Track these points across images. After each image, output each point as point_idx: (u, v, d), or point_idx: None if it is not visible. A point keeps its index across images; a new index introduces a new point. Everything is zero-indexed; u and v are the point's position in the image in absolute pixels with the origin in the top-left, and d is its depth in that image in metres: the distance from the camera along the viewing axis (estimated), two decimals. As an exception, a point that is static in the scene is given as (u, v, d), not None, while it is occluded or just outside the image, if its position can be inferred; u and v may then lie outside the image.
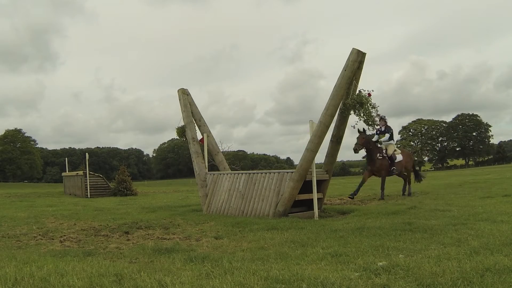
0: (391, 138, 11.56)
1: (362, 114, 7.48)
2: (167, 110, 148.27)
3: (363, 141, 10.82)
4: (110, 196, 17.95)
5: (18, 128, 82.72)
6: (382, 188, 11.39)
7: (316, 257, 4.15)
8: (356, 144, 10.77)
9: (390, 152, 11.44)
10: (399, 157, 11.61)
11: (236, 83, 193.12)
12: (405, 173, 12.26)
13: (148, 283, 3.16)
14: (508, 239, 4.48)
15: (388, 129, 11.48)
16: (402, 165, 11.95)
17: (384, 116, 11.36)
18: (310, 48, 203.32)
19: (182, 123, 10.06)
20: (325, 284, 3.05)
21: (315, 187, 7.77)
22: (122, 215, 8.99)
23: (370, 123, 7.64)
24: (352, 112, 7.63)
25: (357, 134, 10.81)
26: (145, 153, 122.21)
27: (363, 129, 10.36)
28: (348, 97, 7.52)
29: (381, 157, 11.17)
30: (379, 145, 11.44)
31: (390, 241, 4.77)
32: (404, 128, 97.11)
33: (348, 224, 6.38)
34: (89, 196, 17.54)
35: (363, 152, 11.39)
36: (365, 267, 3.53)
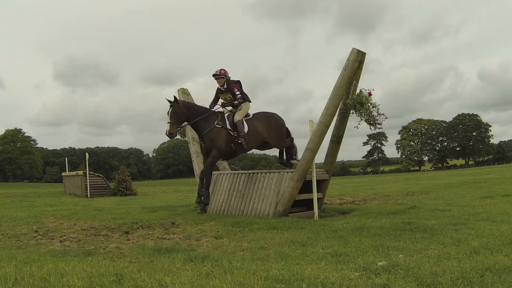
0: (244, 99, 8.09)
1: (363, 114, 7.45)
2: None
3: (179, 115, 7.41)
4: (110, 196, 17.93)
5: (18, 128, 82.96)
6: (206, 187, 7.76)
7: (316, 257, 4.16)
8: (168, 124, 7.32)
9: (237, 117, 7.90)
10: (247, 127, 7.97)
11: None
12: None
13: (148, 283, 3.16)
14: (508, 239, 4.48)
15: (230, 88, 7.97)
16: (261, 138, 8.10)
17: (228, 77, 8.05)
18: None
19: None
20: (325, 284, 3.05)
21: (315, 187, 7.78)
22: (122, 215, 8.98)
23: (371, 122, 7.51)
24: (353, 112, 7.60)
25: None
26: (145, 153, 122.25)
27: (174, 97, 7.50)
28: (348, 97, 7.52)
29: (219, 127, 7.72)
30: (220, 110, 8.07)
31: (390, 241, 4.77)
32: (404, 128, 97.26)
33: (348, 224, 6.38)
34: (89, 196, 17.52)
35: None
36: (365, 267, 3.53)
